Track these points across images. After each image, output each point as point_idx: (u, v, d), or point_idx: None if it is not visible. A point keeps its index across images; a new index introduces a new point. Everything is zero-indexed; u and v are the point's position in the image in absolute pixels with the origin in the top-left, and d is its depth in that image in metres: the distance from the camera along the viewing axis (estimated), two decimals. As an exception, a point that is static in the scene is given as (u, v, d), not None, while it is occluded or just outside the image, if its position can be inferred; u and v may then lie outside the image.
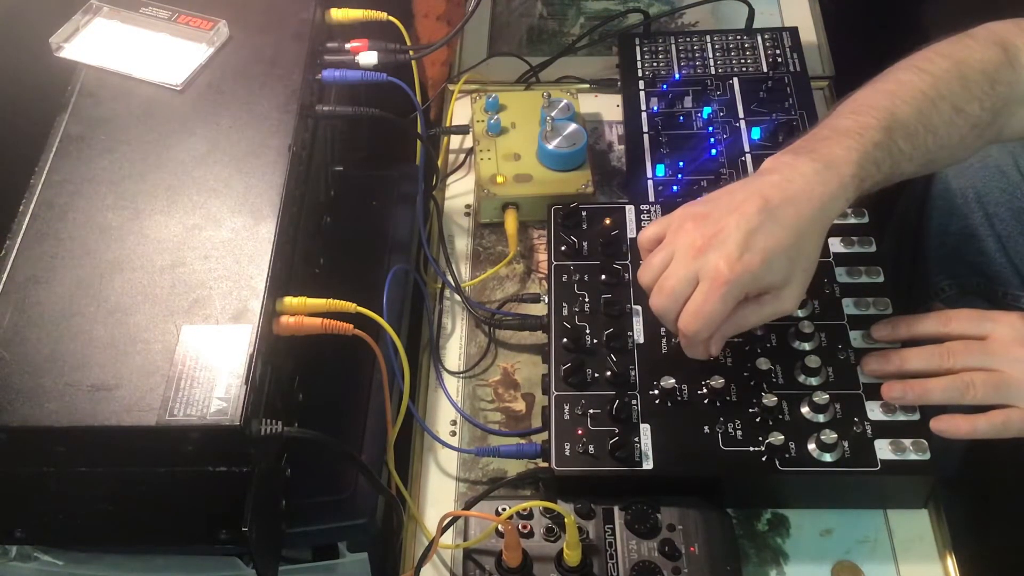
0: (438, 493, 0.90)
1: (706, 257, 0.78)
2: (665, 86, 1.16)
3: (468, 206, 1.13)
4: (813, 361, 0.87)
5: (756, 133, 1.11)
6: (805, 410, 0.85)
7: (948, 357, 0.84)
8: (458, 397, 0.96)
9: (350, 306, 0.83)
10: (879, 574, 0.83)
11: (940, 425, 0.84)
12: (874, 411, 0.85)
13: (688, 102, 1.15)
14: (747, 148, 1.10)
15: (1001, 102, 0.86)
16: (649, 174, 1.09)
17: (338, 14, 1.01)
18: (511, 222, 1.06)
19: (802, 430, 0.84)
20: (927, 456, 0.83)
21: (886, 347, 0.88)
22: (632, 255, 0.97)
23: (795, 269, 0.79)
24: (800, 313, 0.91)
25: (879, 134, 0.81)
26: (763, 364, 0.87)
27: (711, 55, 1.20)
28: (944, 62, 0.86)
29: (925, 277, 1.17)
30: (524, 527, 0.81)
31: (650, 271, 0.83)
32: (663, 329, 0.91)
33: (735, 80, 1.16)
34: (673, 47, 1.21)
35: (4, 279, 0.76)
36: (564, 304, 0.94)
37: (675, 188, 1.07)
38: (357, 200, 1.07)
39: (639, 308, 0.93)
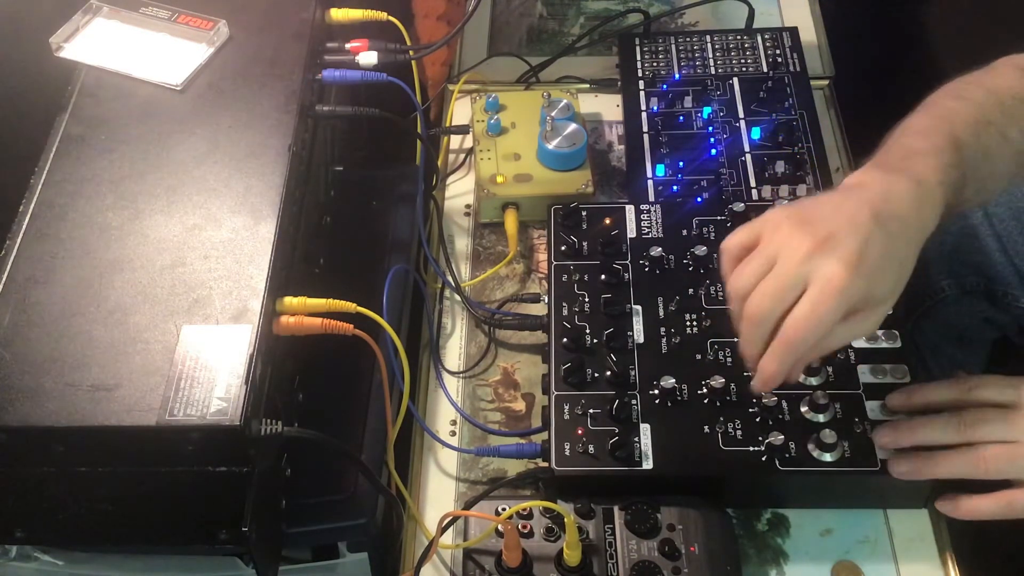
0: (438, 493, 0.90)
1: (819, 260, 0.72)
2: (665, 86, 1.16)
3: (468, 206, 1.13)
4: (813, 361, 0.87)
5: (756, 133, 1.11)
6: (805, 410, 0.85)
7: (964, 428, 0.79)
8: (458, 397, 0.96)
9: (350, 306, 0.83)
10: (879, 574, 0.83)
11: (944, 507, 0.82)
12: (874, 411, 0.85)
13: (688, 102, 1.15)
14: (747, 148, 1.10)
15: None
16: (649, 174, 1.09)
17: (338, 14, 1.01)
18: (511, 222, 1.06)
19: (802, 430, 0.84)
20: (927, 456, 0.82)
21: (902, 418, 0.84)
22: (632, 255, 0.97)
23: (898, 285, 0.75)
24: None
25: (951, 155, 0.78)
26: (763, 364, 0.87)
27: (711, 55, 1.20)
28: (979, 91, 0.84)
29: (925, 277, 1.17)
30: (524, 527, 0.81)
31: (748, 274, 0.75)
32: (663, 329, 0.91)
33: (735, 80, 1.17)
34: (673, 47, 1.21)
35: (4, 279, 0.76)
36: (564, 304, 0.94)
37: (675, 188, 1.07)
38: (357, 200, 1.07)
39: (639, 308, 0.93)
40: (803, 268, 0.72)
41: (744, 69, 1.18)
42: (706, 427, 0.85)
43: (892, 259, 0.74)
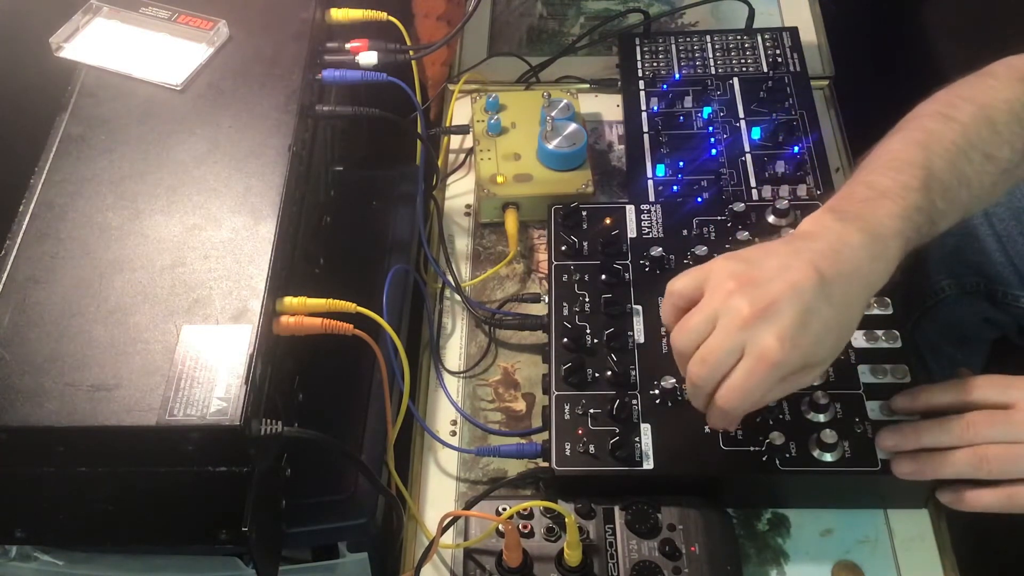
0: (438, 493, 0.90)
1: (755, 331, 0.71)
2: (665, 86, 1.16)
3: (468, 206, 1.13)
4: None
5: (756, 133, 1.11)
6: (805, 410, 0.85)
7: (967, 430, 0.79)
8: (458, 397, 0.96)
9: (350, 306, 0.83)
10: (879, 574, 0.83)
11: (946, 498, 0.82)
12: (874, 411, 0.85)
13: (688, 102, 1.15)
14: (747, 148, 1.10)
15: None
16: (649, 174, 1.09)
17: (338, 14, 1.01)
18: (511, 222, 1.06)
19: (802, 430, 0.84)
20: (927, 456, 0.82)
21: (904, 420, 0.84)
22: (632, 255, 0.97)
23: (837, 348, 0.74)
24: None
25: (919, 196, 0.76)
26: (763, 364, 0.87)
27: (711, 55, 1.20)
28: (970, 107, 0.82)
29: (925, 277, 1.17)
30: (524, 527, 0.81)
31: (688, 334, 0.75)
32: (663, 329, 0.91)
33: (735, 80, 1.17)
34: (673, 47, 1.21)
35: (4, 279, 0.76)
36: (564, 304, 0.94)
37: (675, 188, 1.07)
38: (357, 200, 1.07)
39: (639, 308, 0.93)
40: (740, 337, 0.71)
41: (744, 69, 1.18)
42: (706, 427, 0.85)
43: (831, 329, 0.72)
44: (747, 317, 0.71)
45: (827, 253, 0.73)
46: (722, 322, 0.72)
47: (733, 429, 0.80)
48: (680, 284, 0.77)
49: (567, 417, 0.86)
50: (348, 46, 1.00)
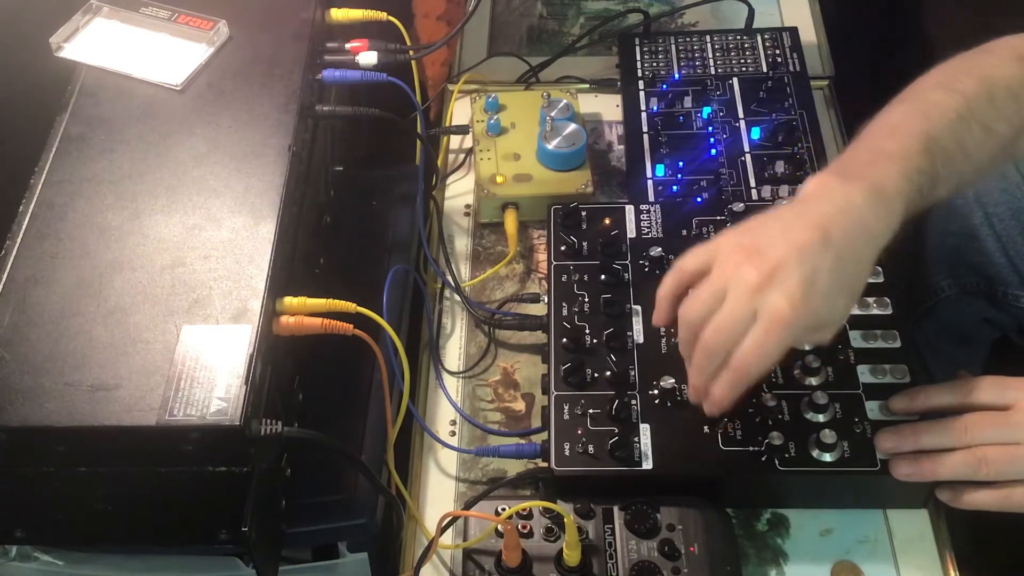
0: (438, 493, 0.90)
1: (765, 295, 0.72)
2: (665, 86, 1.16)
3: (468, 206, 1.13)
4: (813, 361, 0.87)
5: (756, 133, 1.11)
6: (804, 410, 0.85)
7: (965, 431, 0.79)
8: (458, 397, 0.96)
9: (350, 306, 0.83)
10: (879, 574, 0.83)
11: (944, 496, 0.82)
12: (874, 411, 0.85)
13: (688, 102, 1.15)
14: (747, 148, 1.10)
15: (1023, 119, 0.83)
16: (649, 174, 1.09)
17: (338, 14, 1.01)
18: (511, 222, 1.06)
19: (802, 430, 0.84)
20: (927, 456, 0.82)
21: (903, 419, 0.84)
22: (631, 255, 0.97)
23: (848, 305, 0.76)
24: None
25: (922, 159, 0.77)
26: (763, 364, 0.87)
27: (711, 55, 1.20)
28: (971, 80, 0.83)
29: (925, 277, 1.17)
30: (524, 527, 0.81)
31: (700, 306, 0.76)
32: (663, 329, 0.91)
33: (735, 80, 1.17)
34: (673, 47, 1.21)
35: (4, 279, 0.76)
36: (564, 304, 0.94)
37: (675, 188, 1.07)
38: (357, 200, 1.07)
39: (639, 308, 0.93)
40: (751, 303, 0.73)
41: (744, 69, 1.18)
42: (706, 427, 0.85)
43: (840, 286, 0.74)
44: (756, 283, 0.73)
45: (831, 213, 0.75)
46: (732, 292, 0.74)
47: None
48: (689, 262, 0.79)
49: (566, 417, 0.86)
50: (348, 46, 1.00)
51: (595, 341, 0.91)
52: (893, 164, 0.77)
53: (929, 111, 0.81)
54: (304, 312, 0.80)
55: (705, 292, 0.76)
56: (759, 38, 1.21)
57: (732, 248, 0.76)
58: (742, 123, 1.12)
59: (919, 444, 0.81)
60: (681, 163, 1.09)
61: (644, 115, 1.14)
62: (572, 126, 1.09)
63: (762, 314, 0.73)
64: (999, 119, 0.82)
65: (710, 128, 1.12)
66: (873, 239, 0.75)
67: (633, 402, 0.86)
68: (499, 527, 0.79)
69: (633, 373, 0.88)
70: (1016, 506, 0.79)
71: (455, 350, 1.00)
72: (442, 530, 0.81)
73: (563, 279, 0.96)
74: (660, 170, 1.09)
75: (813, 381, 0.87)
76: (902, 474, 0.81)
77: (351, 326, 0.81)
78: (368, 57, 0.99)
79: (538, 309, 0.99)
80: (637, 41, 1.22)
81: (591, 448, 0.84)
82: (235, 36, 0.94)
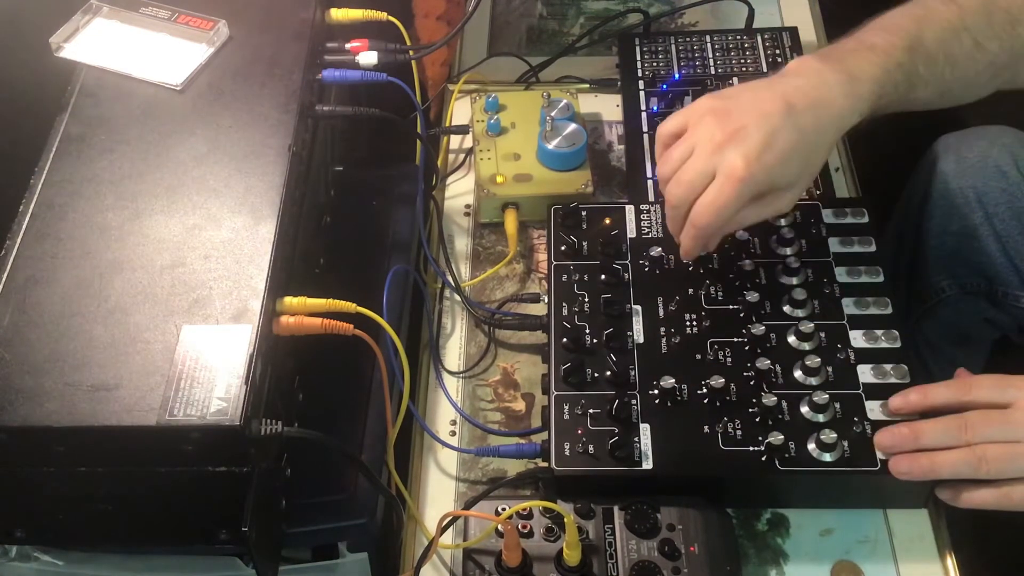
0: (438, 493, 0.90)
1: (725, 153, 0.80)
2: (665, 86, 1.16)
3: (468, 206, 1.13)
4: (813, 361, 0.87)
5: (756, 133, 1.11)
6: (805, 410, 0.85)
7: (965, 430, 0.79)
8: (458, 397, 0.96)
9: (350, 306, 0.83)
10: (879, 574, 0.83)
11: (944, 495, 0.82)
12: (874, 411, 0.85)
13: (688, 102, 1.14)
14: (747, 148, 1.10)
15: (1020, 44, 0.88)
16: (649, 174, 1.09)
17: (338, 14, 1.01)
18: (511, 222, 1.06)
19: (802, 430, 0.84)
20: (927, 456, 0.82)
21: (903, 419, 0.84)
22: (632, 255, 0.97)
23: (805, 172, 0.83)
24: (800, 313, 0.91)
25: (903, 55, 0.84)
26: (763, 364, 0.87)
27: (711, 55, 1.20)
28: None
29: (925, 277, 1.17)
30: (524, 527, 0.81)
31: (670, 163, 0.84)
32: (663, 329, 0.91)
33: (735, 80, 1.16)
34: (673, 47, 1.21)
35: (4, 279, 0.76)
36: (564, 304, 0.94)
37: (675, 188, 1.07)
38: (357, 200, 1.07)
39: (638, 308, 0.93)
40: (712, 160, 0.81)
41: (744, 69, 1.18)
42: (706, 427, 0.85)
43: (797, 152, 0.81)
44: (719, 142, 0.81)
45: (801, 87, 0.82)
46: (697, 149, 0.82)
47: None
48: (667, 126, 0.87)
49: (566, 417, 0.86)
50: (348, 46, 1.00)
51: (595, 341, 0.91)
52: (874, 55, 0.84)
53: (924, 16, 0.87)
54: (304, 312, 0.80)
55: (676, 150, 0.84)
56: (759, 38, 1.21)
57: (704, 111, 0.84)
58: (742, 123, 1.12)
59: (919, 443, 0.81)
60: (681, 163, 1.09)
61: (644, 115, 1.14)
62: (572, 126, 1.09)
63: (720, 170, 0.80)
64: (992, 37, 0.88)
65: (710, 128, 1.12)
66: (838, 116, 0.82)
67: (633, 402, 0.86)
68: (499, 527, 0.79)
69: (633, 373, 0.88)
70: (1016, 505, 0.79)
71: (455, 350, 1.00)
72: (442, 530, 0.81)
73: (563, 279, 0.96)
74: (660, 170, 1.09)
75: (813, 381, 0.87)
76: (902, 473, 0.81)
77: (351, 326, 0.81)
78: (368, 57, 0.99)
79: (538, 309, 0.99)
80: (637, 41, 1.22)
81: (591, 448, 0.84)
82: (235, 36, 0.94)
